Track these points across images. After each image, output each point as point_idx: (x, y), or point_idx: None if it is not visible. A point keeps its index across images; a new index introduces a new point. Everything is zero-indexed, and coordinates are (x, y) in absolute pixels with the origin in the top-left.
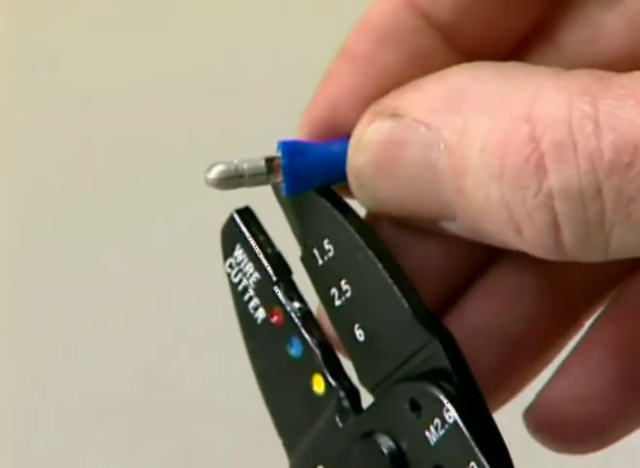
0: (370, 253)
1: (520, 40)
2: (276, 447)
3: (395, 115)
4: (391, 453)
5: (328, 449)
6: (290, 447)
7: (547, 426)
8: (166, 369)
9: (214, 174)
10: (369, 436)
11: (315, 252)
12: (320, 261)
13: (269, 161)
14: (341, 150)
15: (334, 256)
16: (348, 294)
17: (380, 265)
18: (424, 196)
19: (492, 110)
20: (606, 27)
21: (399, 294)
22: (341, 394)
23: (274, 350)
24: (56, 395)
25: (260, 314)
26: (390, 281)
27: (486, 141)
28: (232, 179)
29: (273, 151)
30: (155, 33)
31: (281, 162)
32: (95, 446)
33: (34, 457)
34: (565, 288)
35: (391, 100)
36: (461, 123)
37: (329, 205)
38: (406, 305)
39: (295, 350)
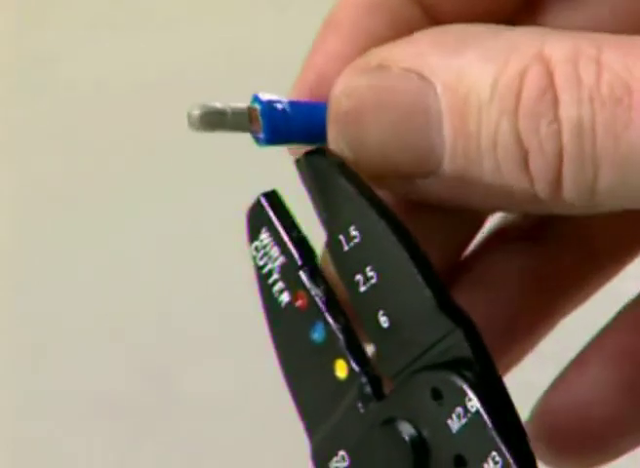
0: (396, 240)
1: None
2: (277, 446)
3: (381, 66)
4: (412, 440)
5: (349, 434)
6: (312, 431)
7: (547, 436)
8: (166, 368)
9: (197, 111)
10: (390, 422)
11: (341, 238)
12: (346, 247)
13: (251, 109)
14: (322, 109)
15: (360, 243)
16: (373, 281)
17: (405, 253)
18: (411, 142)
19: (499, 53)
20: (593, 15)
21: (423, 283)
22: (364, 380)
23: (297, 334)
24: (55, 394)
25: (285, 298)
26: (415, 269)
27: (498, 76)
28: (214, 117)
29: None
30: (155, 32)
31: (259, 110)
32: (93, 444)
33: (34, 456)
34: (550, 274)
35: (376, 53)
36: (465, 65)
37: (356, 191)
38: (430, 294)
39: (318, 335)
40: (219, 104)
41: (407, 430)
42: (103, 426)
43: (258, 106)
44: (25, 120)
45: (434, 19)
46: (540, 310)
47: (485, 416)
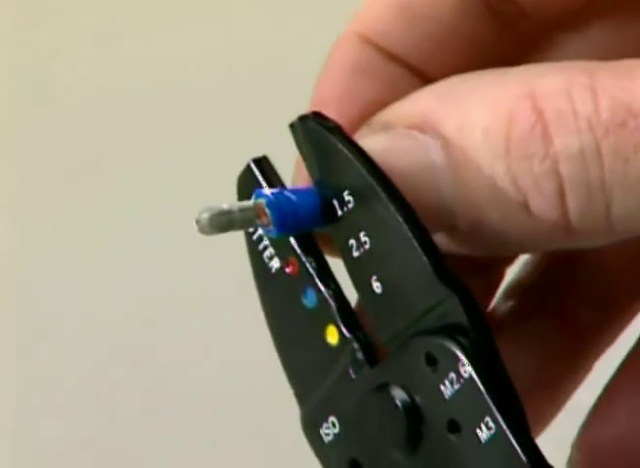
0: (391, 206)
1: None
2: (276, 447)
3: (386, 128)
4: (405, 406)
5: (341, 401)
6: (302, 398)
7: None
8: (166, 366)
9: (204, 214)
10: (383, 388)
11: (335, 202)
12: (339, 212)
13: (257, 204)
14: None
15: (353, 208)
16: (367, 246)
17: (400, 219)
18: (423, 200)
19: (491, 97)
20: (575, 57)
21: (419, 249)
22: (355, 346)
23: (288, 301)
24: (52, 393)
25: (275, 264)
26: (410, 235)
27: (489, 123)
28: (222, 218)
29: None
30: (155, 33)
31: (265, 203)
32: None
33: (34, 453)
34: (573, 320)
35: (379, 117)
36: (460, 114)
37: (351, 155)
38: (425, 260)
39: (309, 301)
40: (225, 205)
41: (400, 396)
42: (102, 419)
43: (263, 200)
44: (25, 120)
45: (421, 76)
46: (571, 359)
47: (478, 382)
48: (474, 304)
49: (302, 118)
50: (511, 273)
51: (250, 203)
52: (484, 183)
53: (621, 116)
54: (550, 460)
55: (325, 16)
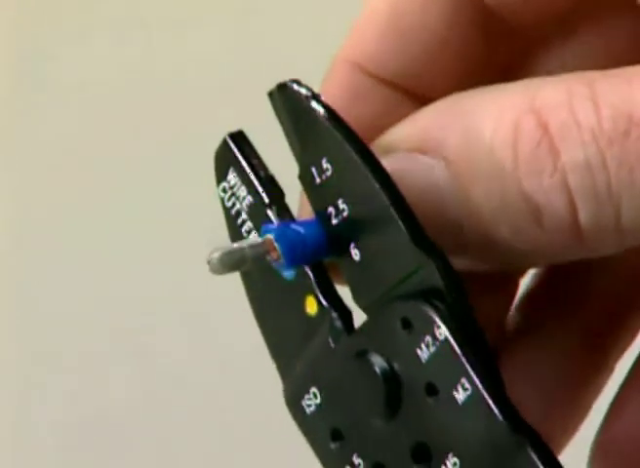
0: (369, 173)
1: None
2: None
3: (387, 152)
4: (384, 373)
5: (321, 371)
6: (284, 372)
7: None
8: (166, 366)
9: (215, 254)
10: (361, 356)
11: (313, 170)
12: (318, 180)
13: (266, 240)
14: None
15: (332, 176)
16: (345, 214)
17: (377, 186)
18: (432, 221)
19: (493, 113)
20: (567, 62)
21: (396, 216)
22: (334, 315)
23: (266, 272)
24: (50, 399)
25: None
26: (388, 202)
27: (494, 140)
28: (233, 257)
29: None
30: (154, 32)
31: (274, 238)
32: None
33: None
34: (589, 327)
35: (379, 141)
36: (462, 133)
37: (329, 123)
38: (402, 227)
39: (287, 272)
40: (235, 244)
41: (378, 362)
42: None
43: (272, 235)
44: (25, 120)
45: (415, 97)
46: (591, 365)
47: (454, 344)
48: (451, 269)
49: (281, 86)
50: (524, 284)
51: (259, 239)
52: (493, 201)
53: (624, 126)
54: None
55: (326, 18)
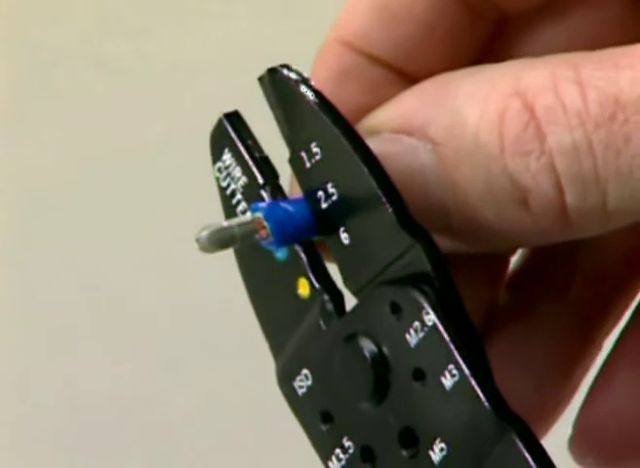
0: (356, 157)
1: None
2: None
3: (372, 133)
4: (373, 357)
5: (312, 353)
6: (277, 351)
7: (593, 452)
8: (164, 355)
9: (204, 233)
10: (351, 339)
11: (303, 154)
12: (307, 164)
13: (255, 218)
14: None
15: (321, 160)
16: (334, 198)
17: (365, 170)
18: (416, 203)
19: (478, 95)
20: (550, 47)
21: (383, 199)
22: (325, 297)
23: (260, 253)
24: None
25: None
26: (375, 185)
27: (480, 122)
28: (222, 235)
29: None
30: (156, 33)
31: (263, 216)
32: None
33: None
34: (577, 307)
35: (364, 122)
36: (448, 115)
37: (318, 107)
38: (390, 210)
39: (280, 253)
40: (224, 222)
41: (368, 347)
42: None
43: (260, 214)
44: (25, 119)
45: (405, 76)
46: (580, 342)
47: (442, 330)
48: (437, 252)
49: (271, 70)
50: (512, 265)
51: (248, 217)
52: (479, 183)
53: (610, 109)
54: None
55: (323, 17)
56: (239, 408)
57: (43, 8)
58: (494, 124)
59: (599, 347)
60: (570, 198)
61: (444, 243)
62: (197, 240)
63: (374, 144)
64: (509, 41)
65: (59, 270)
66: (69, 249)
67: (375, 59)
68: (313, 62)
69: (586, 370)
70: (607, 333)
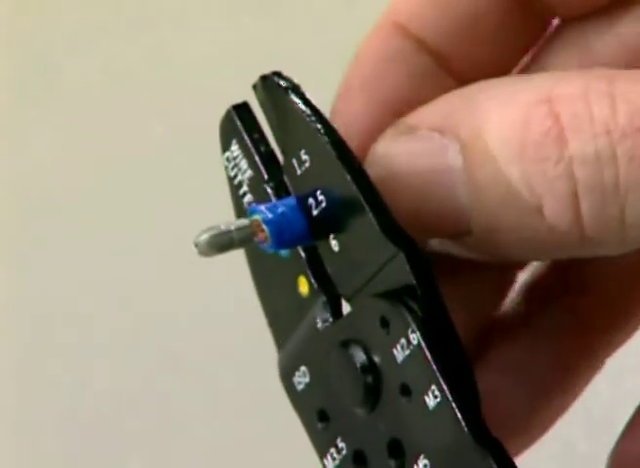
0: (340, 164)
1: (515, 66)
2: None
3: (409, 130)
4: (363, 367)
5: (310, 352)
6: (279, 342)
7: None
8: (166, 353)
9: (203, 236)
10: (344, 346)
11: (294, 161)
12: (298, 171)
13: (253, 221)
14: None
15: (310, 167)
16: (323, 205)
17: (348, 177)
18: (439, 204)
19: (508, 102)
20: (602, 52)
21: (367, 207)
22: (323, 298)
23: None
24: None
25: None
26: (359, 193)
27: (505, 127)
28: (221, 238)
29: None
30: (156, 33)
31: (261, 219)
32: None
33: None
34: (585, 318)
35: (405, 119)
36: (477, 118)
37: (306, 115)
38: (373, 217)
39: (283, 251)
40: (222, 225)
41: (359, 356)
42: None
43: (259, 217)
44: (25, 120)
45: (449, 69)
46: (583, 356)
47: (425, 350)
48: (421, 261)
49: (263, 78)
50: (522, 273)
51: (246, 221)
52: (499, 187)
53: (639, 120)
54: None
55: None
56: (245, 408)
57: (43, 8)
58: (518, 129)
59: (601, 361)
60: (586, 207)
61: (461, 248)
62: (196, 244)
63: (409, 140)
64: (555, 49)
65: (62, 270)
66: (73, 249)
67: (423, 45)
68: (362, 42)
69: (585, 383)
70: (609, 348)
